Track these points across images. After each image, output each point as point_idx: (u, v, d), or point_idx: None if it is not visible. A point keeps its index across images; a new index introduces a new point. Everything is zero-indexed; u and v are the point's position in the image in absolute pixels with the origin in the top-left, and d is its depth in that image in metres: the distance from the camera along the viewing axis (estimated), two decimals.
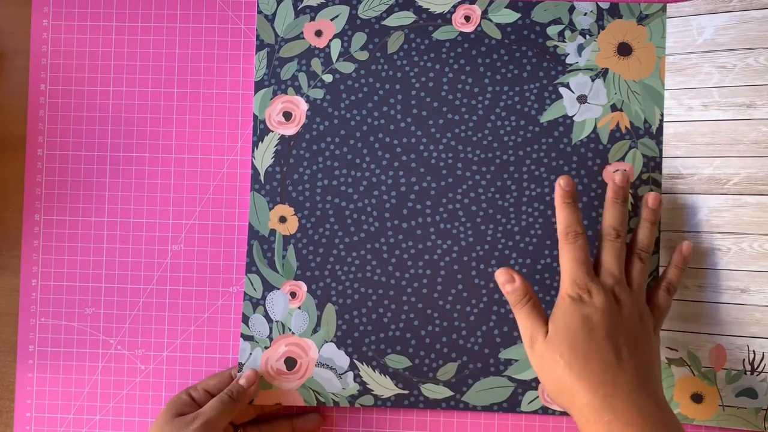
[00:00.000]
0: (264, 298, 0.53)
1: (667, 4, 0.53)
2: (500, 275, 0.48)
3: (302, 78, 0.53)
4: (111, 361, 0.55)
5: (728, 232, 0.51)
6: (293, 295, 0.53)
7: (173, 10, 0.56)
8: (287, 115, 0.53)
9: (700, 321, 0.51)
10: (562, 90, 0.53)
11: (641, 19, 0.52)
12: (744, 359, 0.50)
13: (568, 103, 0.53)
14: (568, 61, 0.53)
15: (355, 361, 0.53)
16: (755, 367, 0.50)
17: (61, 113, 0.56)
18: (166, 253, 0.56)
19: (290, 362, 0.53)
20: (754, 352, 0.50)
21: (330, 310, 0.53)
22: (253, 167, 0.53)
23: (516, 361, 0.52)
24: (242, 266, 0.55)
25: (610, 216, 0.48)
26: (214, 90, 0.56)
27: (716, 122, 0.51)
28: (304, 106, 0.53)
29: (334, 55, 0.53)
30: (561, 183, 0.48)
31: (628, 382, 0.43)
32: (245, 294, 0.53)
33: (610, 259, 0.47)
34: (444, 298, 0.53)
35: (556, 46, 0.53)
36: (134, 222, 0.56)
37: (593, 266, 0.47)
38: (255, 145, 0.53)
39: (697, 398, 0.51)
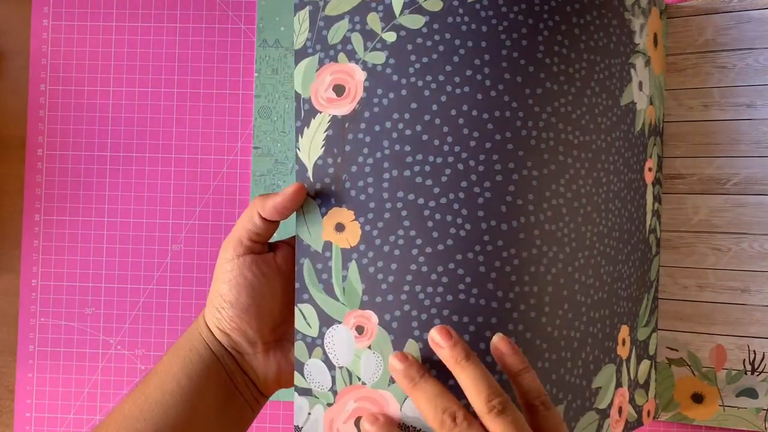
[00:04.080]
0: (322, 336, 0.39)
1: (668, 4, 0.53)
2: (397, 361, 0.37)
3: (356, 39, 0.40)
4: (111, 361, 0.55)
5: (728, 232, 0.51)
6: (360, 330, 0.39)
7: (173, 10, 0.56)
8: (339, 90, 0.40)
9: (700, 321, 0.51)
10: (632, 72, 0.45)
11: (661, 13, 0.51)
12: (744, 359, 0.50)
13: (634, 88, 0.45)
14: (635, 40, 0.45)
15: None
16: (755, 367, 0.50)
17: (61, 113, 0.56)
18: (166, 253, 0.56)
19: None
20: (754, 352, 0.50)
21: (412, 348, 0.38)
22: (298, 161, 0.40)
23: (600, 388, 0.43)
24: None
25: (474, 384, 0.35)
26: (214, 90, 0.56)
27: (716, 122, 0.51)
28: (360, 76, 0.40)
29: (397, 8, 0.40)
30: (395, 363, 0.37)
31: None
32: (297, 332, 0.39)
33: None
34: (552, 323, 0.40)
35: (630, 21, 0.45)
36: (134, 222, 0.56)
37: None
38: (299, 132, 0.40)
39: (697, 398, 0.51)
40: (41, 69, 0.57)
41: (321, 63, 0.40)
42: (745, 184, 0.50)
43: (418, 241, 0.39)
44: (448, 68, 0.40)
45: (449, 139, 0.39)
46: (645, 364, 0.50)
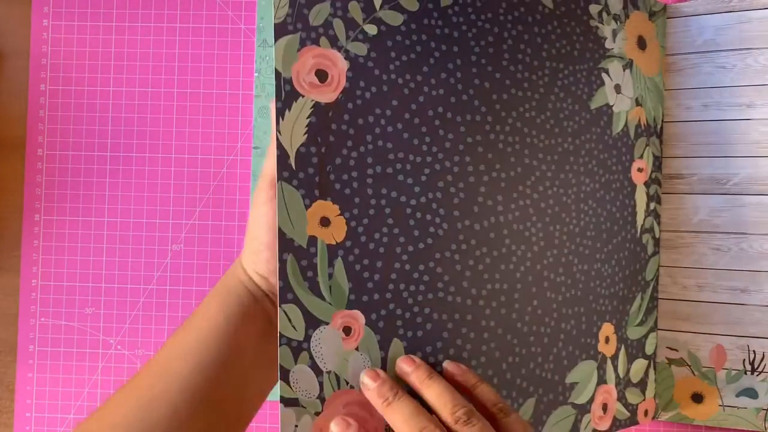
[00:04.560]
0: (308, 338, 0.37)
1: (667, 4, 0.53)
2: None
3: (338, 25, 0.39)
4: (111, 361, 0.55)
5: (728, 232, 0.51)
6: (347, 331, 0.38)
7: (173, 10, 0.56)
8: (322, 75, 0.39)
9: (700, 321, 0.51)
10: (604, 76, 0.47)
11: (651, 15, 0.51)
12: (744, 359, 0.50)
13: (609, 91, 0.47)
14: (607, 45, 0.48)
15: None
16: (755, 367, 0.50)
17: (61, 113, 0.56)
18: (166, 253, 0.56)
19: None
20: (754, 352, 0.50)
21: (398, 347, 0.39)
22: (279, 146, 0.37)
23: (577, 384, 0.46)
24: None
25: (438, 399, 0.36)
26: (214, 90, 0.56)
27: (716, 122, 0.51)
28: (343, 65, 0.39)
29: (377, 1, 0.40)
30: (367, 381, 0.37)
31: None
32: (281, 336, 0.36)
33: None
34: (521, 319, 0.43)
35: (597, 27, 0.47)
36: (134, 222, 0.56)
37: None
38: (280, 114, 0.37)
39: (697, 398, 0.51)
40: (41, 69, 0.56)
41: (302, 43, 0.38)
42: (745, 184, 0.50)
43: (401, 239, 0.39)
44: (425, 69, 0.41)
45: (427, 139, 0.40)
46: (639, 363, 0.50)
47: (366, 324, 0.38)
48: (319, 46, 0.39)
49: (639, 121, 0.50)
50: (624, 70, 0.49)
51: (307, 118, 0.38)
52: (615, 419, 0.48)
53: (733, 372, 0.51)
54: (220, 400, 0.37)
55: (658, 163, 0.52)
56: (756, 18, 0.51)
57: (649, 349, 0.51)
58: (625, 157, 0.49)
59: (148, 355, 0.55)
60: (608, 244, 0.47)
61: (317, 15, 0.39)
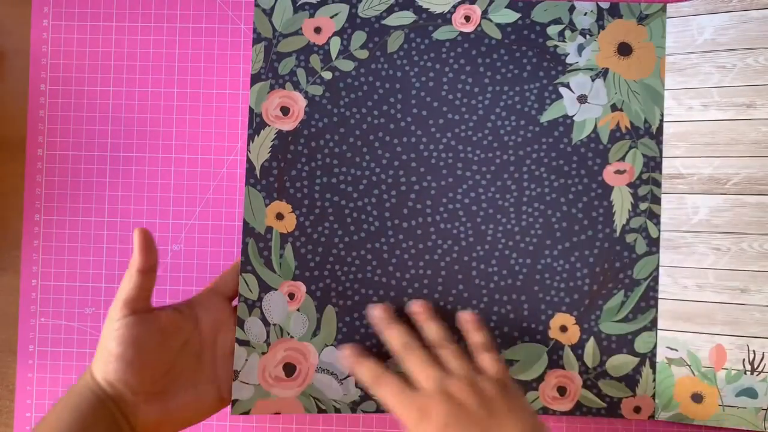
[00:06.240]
0: (260, 299, 0.51)
1: (667, 4, 0.53)
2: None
3: (301, 74, 0.52)
4: None
5: (728, 232, 0.51)
6: (291, 296, 0.51)
7: (173, 10, 0.56)
8: (285, 110, 0.52)
9: (700, 321, 0.51)
10: (562, 90, 0.53)
11: (641, 19, 0.52)
12: (744, 359, 0.50)
13: (568, 103, 0.53)
14: (568, 60, 0.53)
15: None
16: (755, 367, 0.50)
17: (61, 113, 0.56)
18: (166, 253, 0.56)
19: (289, 368, 0.51)
20: (754, 352, 0.50)
21: (330, 311, 0.52)
22: (249, 161, 0.51)
23: (517, 361, 0.52)
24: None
25: (393, 340, 0.49)
26: (214, 90, 0.56)
27: (716, 122, 0.51)
28: (302, 102, 0.52)
29: (334, 53, 0.53)
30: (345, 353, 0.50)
31: None
32: (240, 296, 0.51)
33: (418, 368, 0.46)
34: (445, 299, 0.52)
35: (556, 46, 0.53)
36: (134, 222, 0.56)
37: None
38: (250, 138, 0.52)
39: (697, 398, 0.51)
40: (41, 69, 0.57)
41: (272, 87, 0.52)
42: (745, 184, 0.50)
43: (339, 233, 0.52)
44: (369, 103, 0.53)
45: (367, 157, 0.52)
46: (621, 358, 0.51)
47: (306, 292, 0.52)
48: (285, 89, 0.52)
49: (618, 125, 0.52)
50: (593, 81, 0.52)
51: (271, 141, 0.52)
52: (581, 405, 0.52)
53: (733, 372, 0.51)
54: None
55: (652, 163, 0.52)
56: (756, 18, 0.51)
57: (640, 347, 0.51)
58: (593, 161, 0.52)
59: None
60: (565, 241, 0.52)
61: (285, 66, 0.53)
